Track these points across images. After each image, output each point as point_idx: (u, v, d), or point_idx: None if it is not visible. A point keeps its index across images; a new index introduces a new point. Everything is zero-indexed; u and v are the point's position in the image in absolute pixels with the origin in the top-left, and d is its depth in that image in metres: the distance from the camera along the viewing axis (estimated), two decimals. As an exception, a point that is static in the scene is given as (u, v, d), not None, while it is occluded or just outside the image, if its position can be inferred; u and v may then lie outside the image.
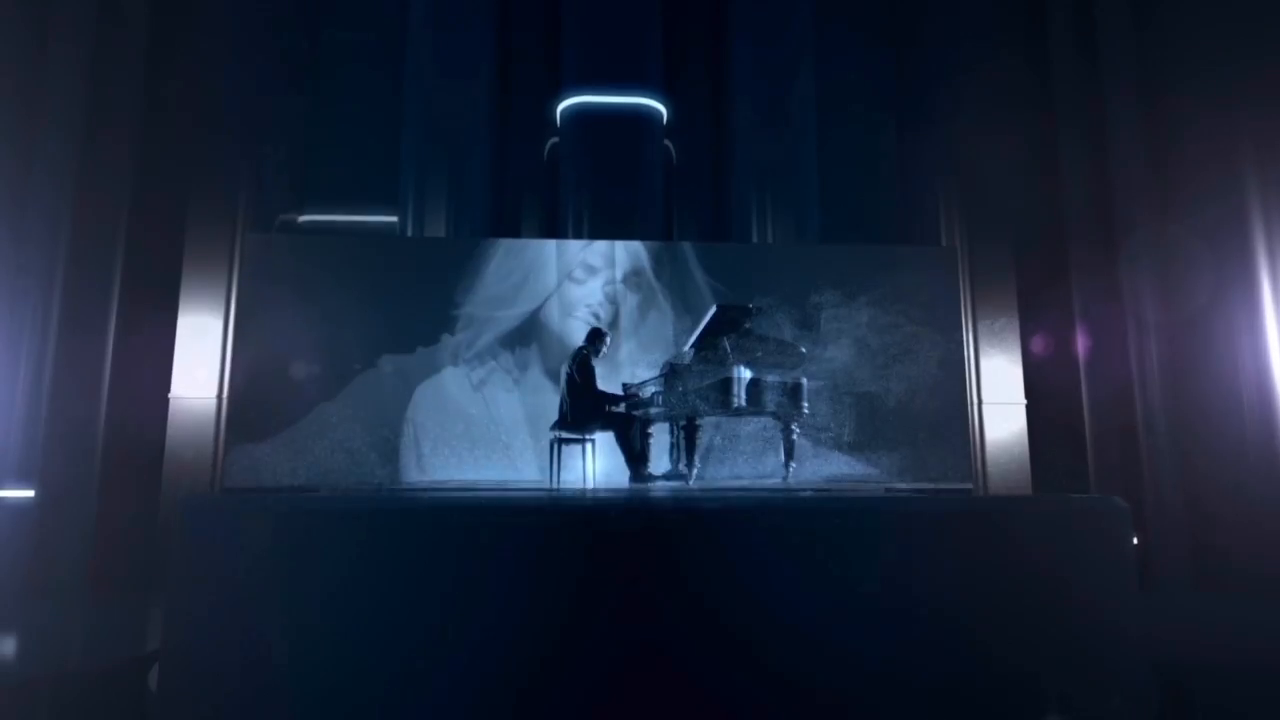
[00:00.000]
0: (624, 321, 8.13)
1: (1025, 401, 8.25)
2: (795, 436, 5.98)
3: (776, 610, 2.42)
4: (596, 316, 8.04)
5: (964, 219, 8.56)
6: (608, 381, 6.08)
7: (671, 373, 5.60)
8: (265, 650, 2.38)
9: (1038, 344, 8.39)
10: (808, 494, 2.50)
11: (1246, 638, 5.12)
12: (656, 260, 8.24)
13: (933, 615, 2.47)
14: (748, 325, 5.77)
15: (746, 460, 7.51)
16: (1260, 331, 7.03)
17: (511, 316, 8.09)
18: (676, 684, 2.34)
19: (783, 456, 6.04)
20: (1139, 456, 7.86)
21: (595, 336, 5.82)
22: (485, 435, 7.86)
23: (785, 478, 6.07)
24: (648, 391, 5.65)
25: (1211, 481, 7.28)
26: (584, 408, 5.57)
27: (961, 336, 8.29)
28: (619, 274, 8.19)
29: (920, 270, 8.30)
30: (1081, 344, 8.23)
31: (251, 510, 2.58)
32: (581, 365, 5.63)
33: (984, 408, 8.26)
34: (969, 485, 7.97)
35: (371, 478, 7.56)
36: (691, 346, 5.84)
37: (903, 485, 7.76)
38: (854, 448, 7.89)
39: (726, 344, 5.65)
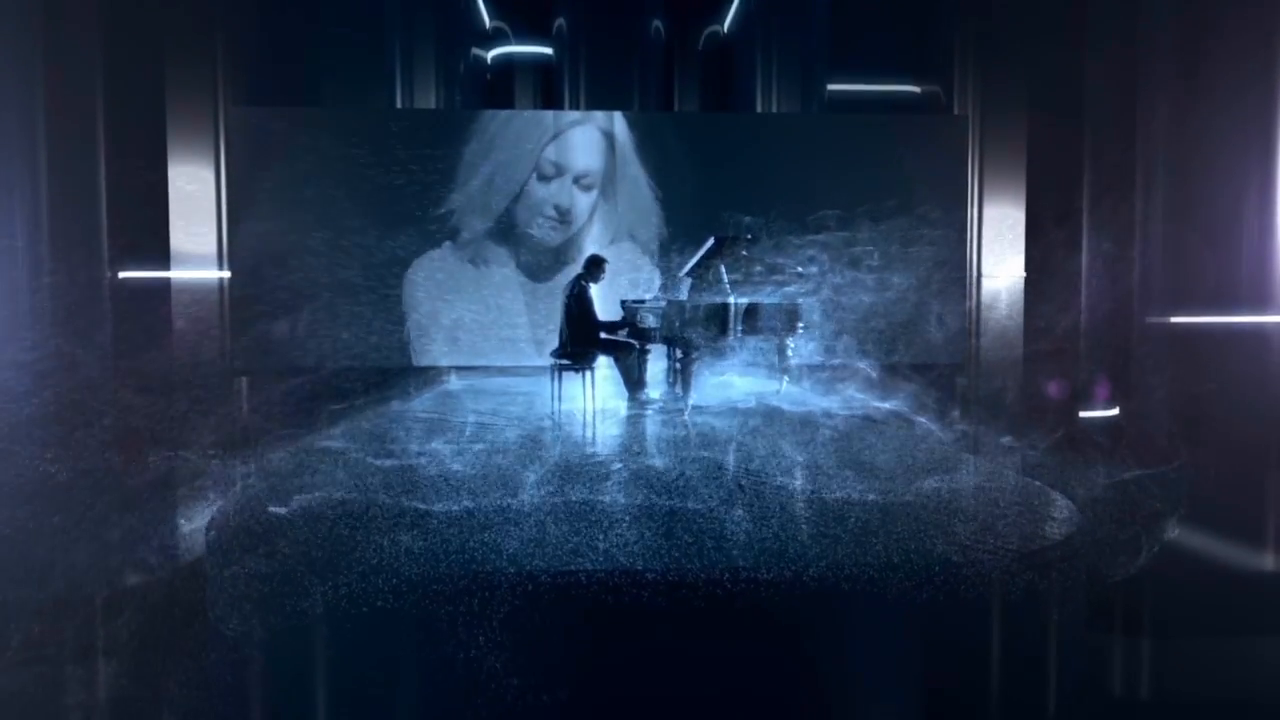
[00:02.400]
0: (600, 203, 8.01)
1: (1025, 275, 8.25)
2: (791, 354, 6.14)
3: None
4: (561, 210, 7.92)
5: (978, 86, 8.14)
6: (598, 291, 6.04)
7: (670, 305, 5.65)
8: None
9: (1043, 220, 8.26)
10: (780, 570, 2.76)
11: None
12: (644, 135, 7.93)
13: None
14: (745, 253, 5.74)
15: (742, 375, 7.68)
16: (1273, 215, 6.92)
17: (501, 185, 7.95)
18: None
19: (778, 372, 6.26)
20: (1130, 337, 7.99)
21: (593, 264, 5.78)
22: (484, 315, 7.98)
23: (779, 391, 6.30)
24: (647, 323, 5.72)
25: (1200, 370, 7.44)
26: (583, 337, 5.65)
27: (965, 209, 8.15)
28: (599, 159, 7.93)
29: (928, 140, 8.02)
30: (1088, 223, 8.11)
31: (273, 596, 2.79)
32: (579, 296, 5.65)
33: (983, 281, 8.28)
34: (957, 362, 8.18)
35: (378, 359, 7.78)
36: (688, 274, 5.85)
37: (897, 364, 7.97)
38: (851, 327, 8.01)
39: (724, 273, 5.65)
